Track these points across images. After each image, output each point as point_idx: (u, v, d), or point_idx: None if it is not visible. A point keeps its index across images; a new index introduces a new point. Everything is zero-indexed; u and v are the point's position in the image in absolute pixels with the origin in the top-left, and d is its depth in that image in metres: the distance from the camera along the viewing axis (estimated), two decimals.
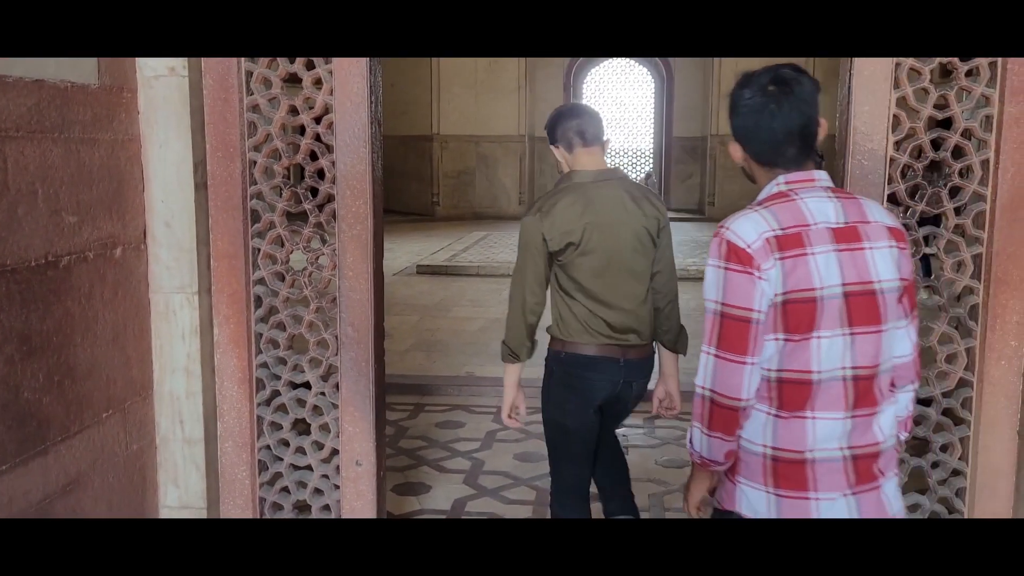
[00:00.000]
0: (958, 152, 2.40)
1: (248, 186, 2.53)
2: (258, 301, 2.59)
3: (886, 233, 1.58)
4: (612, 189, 2.42)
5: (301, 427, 2.68)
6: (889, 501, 1.62)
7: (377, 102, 2.49)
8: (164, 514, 2.59)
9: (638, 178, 16.87)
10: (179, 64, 2.40)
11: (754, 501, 1.60)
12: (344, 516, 2.62)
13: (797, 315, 1.50)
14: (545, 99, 15.07)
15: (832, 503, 1.56)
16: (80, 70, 2.17)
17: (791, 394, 1.55)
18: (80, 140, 2.17)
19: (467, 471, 3.96)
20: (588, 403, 2.47)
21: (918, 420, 2.49)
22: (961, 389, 2.47)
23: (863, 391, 1.56)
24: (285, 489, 2.68)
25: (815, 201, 1.56)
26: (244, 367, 2.59)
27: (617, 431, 2.81)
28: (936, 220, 2.48)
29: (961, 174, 2.41)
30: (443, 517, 3.48)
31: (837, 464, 1.55)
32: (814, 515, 1.55)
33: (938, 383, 2.46)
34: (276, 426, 2.66)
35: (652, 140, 19.38)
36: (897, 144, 2.37)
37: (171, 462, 2.57)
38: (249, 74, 2.48)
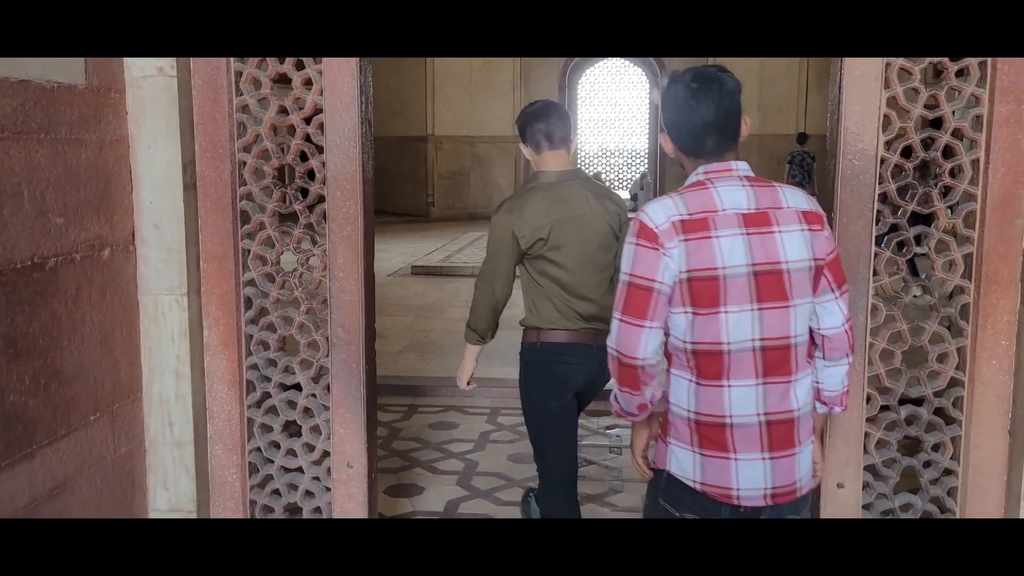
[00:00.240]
0: (948, 152, 2.40)
1: (238, 187, 2.51)
2: (248, 302, 2.58)
3: (797, 217, 1.72)
4: (576, 188, 2.60)
5: (292, 429, 2.67)
6: (799, 467, 1.76)
7: (368, 102, 2.48)
8: (153, 517, 2.58)
9: (634, 178, 16.89)
10: (167, 64, 2.38)
11: (682, 460, 1.77)
12: (335, 518, 2.61)
13: (701, 291, 1.67)
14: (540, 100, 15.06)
15: (750, 463, 1.71)
16: (67, 70, 2.16)
17: (706, 364, 1.71)
18: (67, 141, 2.16)
19: (460, 472, 3.95)
20: (566, 388, 2.64)
21: (910, 420, 2.50)
22: (952, 388, 2.47)
23: (775, 361, 1.71)
24: (276, 492, 2.67)
25: (728, 190, 1.71)
26: (234, 369, 2.57)
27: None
28: (927, 219, 2.48)
29: (952, 173, 2.41)
30: (436, 518, 3.47)
31: (753, 429, 1.71)
32: (734, 475, 1.72)
33: (929, 382, 2.46)
34: (267, 428, 2.64)
35: (647, 140, 19.41)
36: (888, 144, 2.38)
37: (160, 465, 2.56)
38: (238, 74, 2.47)
